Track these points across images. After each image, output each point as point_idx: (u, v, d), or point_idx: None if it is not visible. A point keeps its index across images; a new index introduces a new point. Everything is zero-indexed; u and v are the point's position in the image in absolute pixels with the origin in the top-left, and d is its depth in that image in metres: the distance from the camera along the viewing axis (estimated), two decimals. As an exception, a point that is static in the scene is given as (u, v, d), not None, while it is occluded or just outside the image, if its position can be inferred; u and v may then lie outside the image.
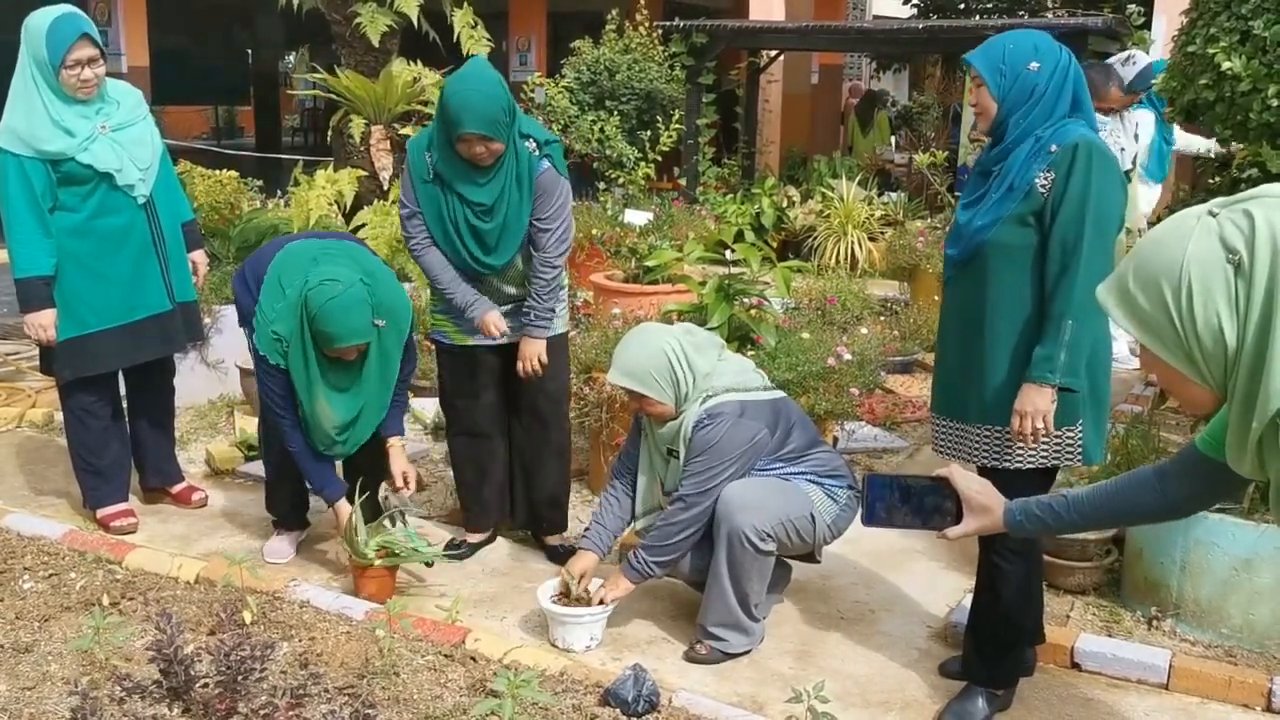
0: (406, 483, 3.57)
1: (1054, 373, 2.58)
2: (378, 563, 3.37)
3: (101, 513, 3.95)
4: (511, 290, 3.56)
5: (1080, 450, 2.71)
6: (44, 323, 3.68)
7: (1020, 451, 2.69)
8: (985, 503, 2.00)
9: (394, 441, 3.61)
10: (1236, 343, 1.42)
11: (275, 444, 3.69)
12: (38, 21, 3.59)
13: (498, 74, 3.42)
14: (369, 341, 3.39)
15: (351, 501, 3.48)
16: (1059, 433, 2.67)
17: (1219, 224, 1.43)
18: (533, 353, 3.53)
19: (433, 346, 5.78)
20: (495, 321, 3.50)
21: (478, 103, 3.24)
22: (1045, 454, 2.69)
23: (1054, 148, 2.58)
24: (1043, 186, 2.59)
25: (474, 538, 3.81)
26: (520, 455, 3.76)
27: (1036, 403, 2.59)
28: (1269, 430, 1.42)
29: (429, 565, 3.53)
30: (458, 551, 3.74)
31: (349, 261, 3.43)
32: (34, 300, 3.68)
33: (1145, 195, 5.81)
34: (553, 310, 3.55)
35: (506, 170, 3.38)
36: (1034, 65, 2.60)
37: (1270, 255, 1.39)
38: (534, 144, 3.43)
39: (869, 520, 2.07)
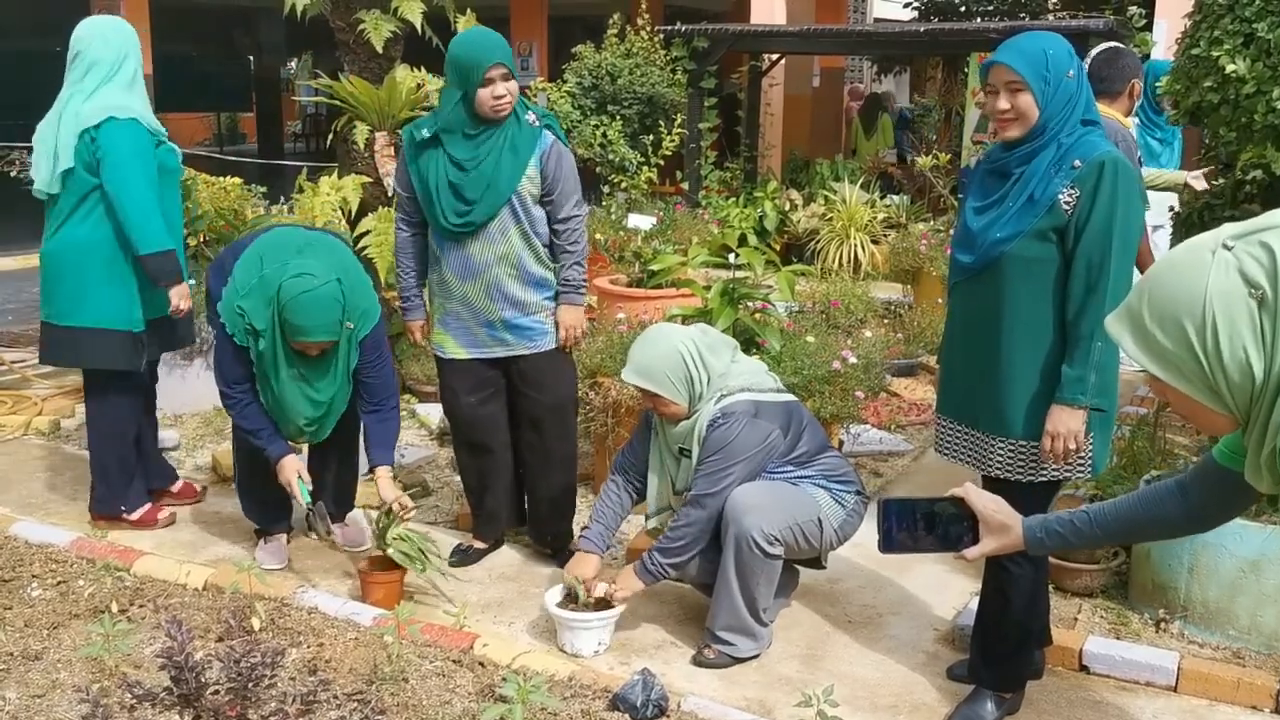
0: (403, 506, 3.49)
1: (1085, 394, 2.58)
2: (393, 552, 3.37)
3: (138, 513, 4.01)
4: (510, 274, 3.47)
5: (1090, 463, 2.72)
6: (186, 292, 3.88)
7: (1036, 466, 2.70)
8: (1003, 521, 1.97)
9: (381, 471, 3.56)
10: (1264, 374, 1.41)
11: (244, 449, 3.69)
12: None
13: None
14: (335, 341, 3.41)
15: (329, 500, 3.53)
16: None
17: (1237, 258, 1.41)
18: (570, 320, 3.58)
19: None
20: (417, 328, 3.72)
21: (496, 41, 3.39)
22: (1058, 469, 2.70)
23: (1077, 162, 2.55)
24: (1066, 203, 2.55)
25: (479, 545, 3.81)
26: (525, 467, 3.75)
27: (1069, 424, 2.60)
28: None
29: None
30: (465, 555, 3.74)
31: (329, 257, 3.46)
32: (176, 272, 3.81)
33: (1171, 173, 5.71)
34: (583, 280, 3.59)
35: (501, 133, 3.41)
36: (1071, 73, 2.57)
37: None
38: (534, 117, 3.49)
39: (887, 548, 2.01)
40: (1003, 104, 2.62)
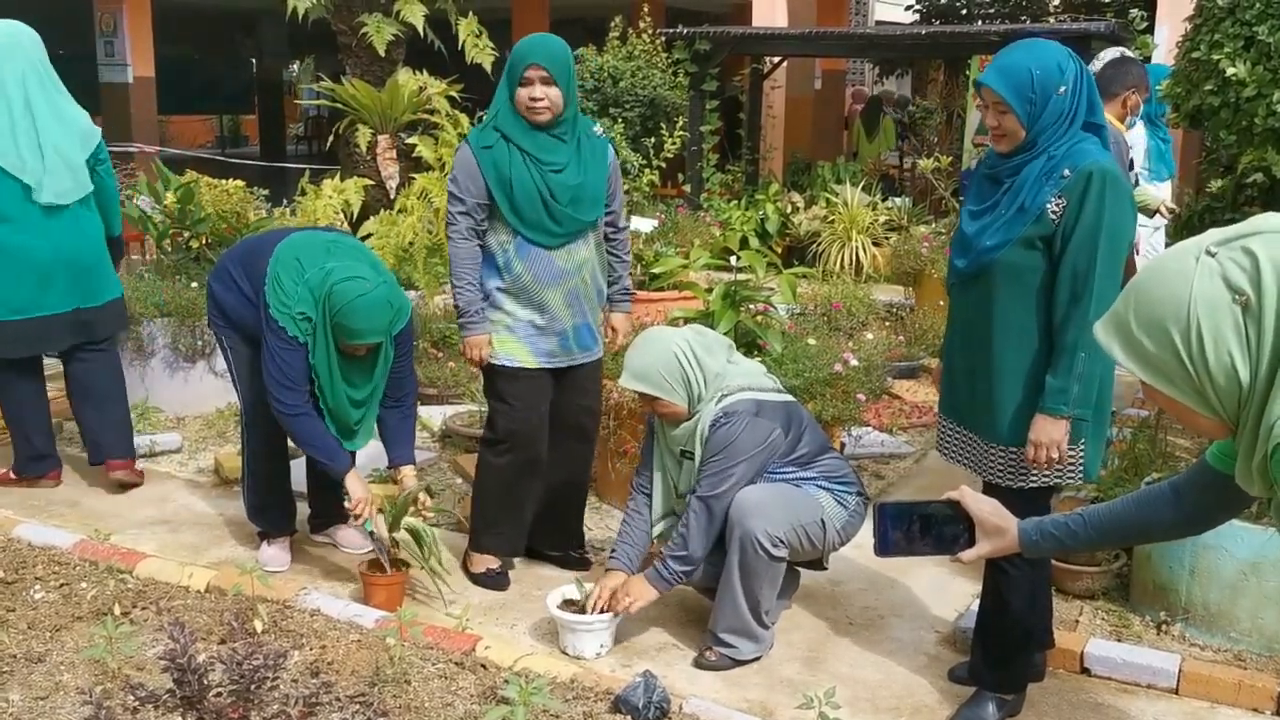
0: (423, 504, 3.51)
1: (1067, 405, 2.59)
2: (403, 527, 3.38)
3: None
4: (586, 281, 3.49)
5: (1081, 469, 2.73)
6: None
7: (1026, 472, 2.71)
8: (999, 524, 1.98)
9: (407, 471, 3.59)
10: (1250, 379, 1.42)
11: (257, 447, 3.68)
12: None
13: None
14: (381, 341, 3.42)
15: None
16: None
17: (1220, 264, 1.42)
18: (625, 326, 3.69)
19: (439, 355, 5.80)
20: (481, 345, 3.45)
21: (545, 41, 3.39)
22: (1048, 475, 2.71)
23: (1066, 172, 2.55)
24: (1054, 213, 2.56)
25: (494, 563, 3.68)
26: (558, 473, 3.69)
27: (1051, 433, 2.61)
28: (1274, 454, 1.43)
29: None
30: (497, 579, 3.63)
31: (361, 258, 3.47)
32: None
33: (1155, 194, 5.79)
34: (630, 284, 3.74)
35: (580, 141, 3.44)
36: (1062, 89, 2.56)
37: (1277, 292, 1.39)
38: (600, 129, 3.56)
39: (883, 551, 2.01)
40: (991, 121, 2.65)
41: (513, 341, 3.48)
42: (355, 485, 3.43)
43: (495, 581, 3.62)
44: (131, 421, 4.52)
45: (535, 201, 3.35)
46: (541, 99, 3.30)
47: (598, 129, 3.55)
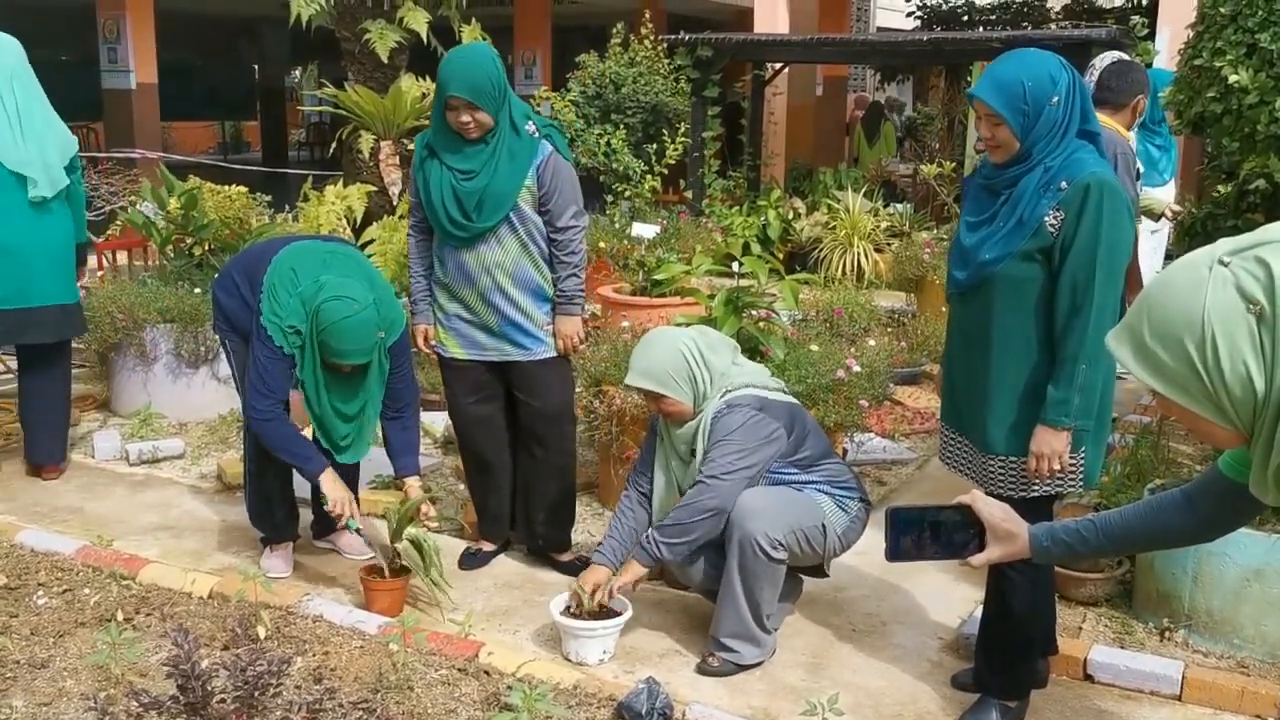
0: (426, 514, 3.55)
1: (1069, 416, 2.59)
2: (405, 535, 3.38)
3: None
4: (505, 282, 3.49)
5: (1082, 476, 2.74)
6: None
7: (1027, 482, 2.71)
8: (1010, 529, 1.98)
9: (411, 482, 3.62)
10: (1265, 388, 1.42)
11: (260, 453, 3.66)
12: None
13: (495, 52, 3.52)
14: (368, 361, 3.43)
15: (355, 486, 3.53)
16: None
17: (1233, 273, 1.42)
18: (568, 331, 3.62)
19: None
20: (422, 333, 3.69)
21: (466, 69, 3.37)
22: (1049, 484, 2.71)
23: (1064, 184, 2.55)
24: (1052, 225, 2.56)
25: (488, 546, 3.85)
26: (522, 474, 3.79)
27: (1053, 444, 2.62)
28: None
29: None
30: (474, 558, 3.79)
31: (357, 273, 3.49)
32: None
33: (1160, 197, 5.78)
34: (580, 290, 3.61)
35: (498, 145, 3.44)
36: (1055, 100, 2.56)
37: None
38: (534, 127, 3.51)
39: (894, 556, 2.02)
40: (985, 133, 2.65)
41: (442, 332, 3.66)
42: (331, 486, 3.46)
43: (468, 561, 3.81)
44: (62, 434, 4.70)
45: (441, 207, 3.48)
46: (469, 122, 3.39)
47: (530, 127, 3.48)
